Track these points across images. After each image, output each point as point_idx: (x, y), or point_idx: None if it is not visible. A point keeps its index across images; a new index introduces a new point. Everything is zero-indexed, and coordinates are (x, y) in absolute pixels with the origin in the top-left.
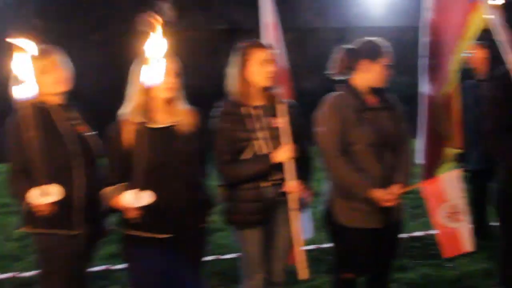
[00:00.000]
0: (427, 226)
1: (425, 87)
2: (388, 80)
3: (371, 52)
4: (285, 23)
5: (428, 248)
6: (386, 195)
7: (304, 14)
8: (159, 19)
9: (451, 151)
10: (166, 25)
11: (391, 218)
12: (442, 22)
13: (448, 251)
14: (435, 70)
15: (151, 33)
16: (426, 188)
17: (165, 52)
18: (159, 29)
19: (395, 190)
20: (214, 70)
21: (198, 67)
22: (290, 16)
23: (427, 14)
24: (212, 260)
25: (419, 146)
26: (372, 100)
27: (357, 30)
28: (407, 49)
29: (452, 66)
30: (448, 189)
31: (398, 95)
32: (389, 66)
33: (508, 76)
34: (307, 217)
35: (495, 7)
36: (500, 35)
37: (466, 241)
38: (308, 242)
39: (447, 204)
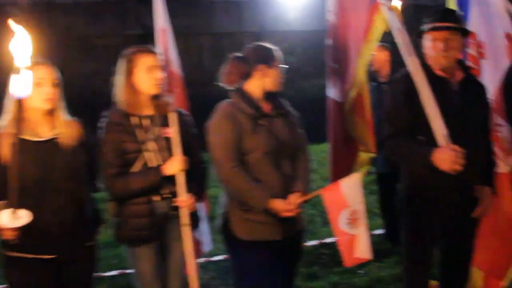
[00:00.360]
0: None
1: (330, 91)
2: (281, 85)
3: (267, 57)
4: (200, 28)
5: (339, 255)
6: (286, 205)
7: (219, 18)
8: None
9: (366, 155)
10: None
11: (292, 229)
12: (344, 25)
13: (348, 260)
14: (339, 74)
15: (18, 41)
16: (325, 194)
17: (35, 61)
18: (26, 36)
19: (295, 199)
20: None
21: (112, 74)
22: (205, 20)
23: (329, 17)
24: (117, 275)
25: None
26: (266, 106)
27: (273, 34)
28: (323, 53)
29: (358, 69)
30: (348, 194)
31: (314, 99)
32: (282, 69)
33: (407, 79)
34: (205, 229)
35: (394, 9)
36: (399, 37)
37: (365, 248)
38: (216, 252)
39: (347, 209)
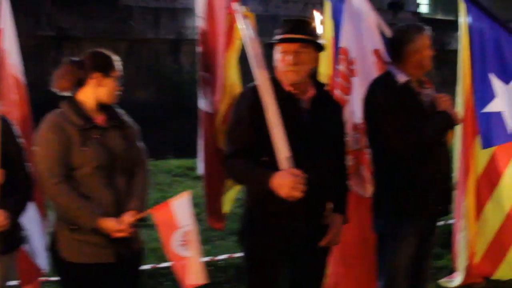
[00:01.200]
0: (216, 251)
1: (201, 102)
2: (118, 96)
3: (104, 65)
4: (116, 33)
5: (215, 276)
6: (117, 225)
7: (137, 24)
8: None
9: None
10: None
11: (126, 250)
12: (211, 32)
13: (186, 284)
14: (210, 83)
15: None
16: (155, 214)
17: None
18: None
19: (128, 218)
20: (40, 78)
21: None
22: (122, 25)
23: (198, 23)
24: None
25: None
26: (99, 118)
27: (192, 42)
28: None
29: (227, 79)
30: (178, 214)
31: None
32: (120, 80)
33: (254, 94)
34: (40, 249)
35: (248, 16)
36: (250, 47)
37: (198, 272)
38: None
39: (179, 231)
